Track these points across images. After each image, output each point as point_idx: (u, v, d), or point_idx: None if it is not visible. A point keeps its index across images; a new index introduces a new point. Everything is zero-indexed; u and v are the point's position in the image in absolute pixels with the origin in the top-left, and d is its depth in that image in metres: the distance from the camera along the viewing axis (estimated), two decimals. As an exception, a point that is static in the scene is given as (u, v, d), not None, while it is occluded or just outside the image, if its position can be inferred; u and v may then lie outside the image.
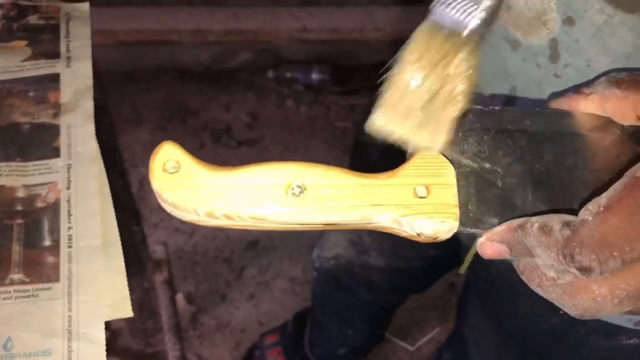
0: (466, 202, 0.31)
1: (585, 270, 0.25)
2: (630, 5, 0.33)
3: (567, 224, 0.25)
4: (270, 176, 0.31)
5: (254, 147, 1.69)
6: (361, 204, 0.30)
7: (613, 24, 0.34)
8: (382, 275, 0.84)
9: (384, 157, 0.73)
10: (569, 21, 0.36)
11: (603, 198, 0.25)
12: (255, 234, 1.53)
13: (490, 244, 0.30)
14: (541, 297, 0.54)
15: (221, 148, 1.68)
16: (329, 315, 1.07)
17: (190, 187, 0.31)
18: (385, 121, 0.33)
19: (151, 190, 1.34)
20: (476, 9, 0.29)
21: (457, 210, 0.31)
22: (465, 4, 0.29)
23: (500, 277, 0.59)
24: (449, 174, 0.31)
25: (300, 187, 0.31)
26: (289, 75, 1.77)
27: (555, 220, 0.26)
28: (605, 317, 0.51)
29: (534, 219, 0.27)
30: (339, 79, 1.78)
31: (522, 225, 0.28)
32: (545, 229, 0.26)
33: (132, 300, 1.29)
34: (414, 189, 0.31)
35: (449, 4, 0.30)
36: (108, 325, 1.40)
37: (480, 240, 0.30)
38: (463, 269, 0.68)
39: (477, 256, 0.62)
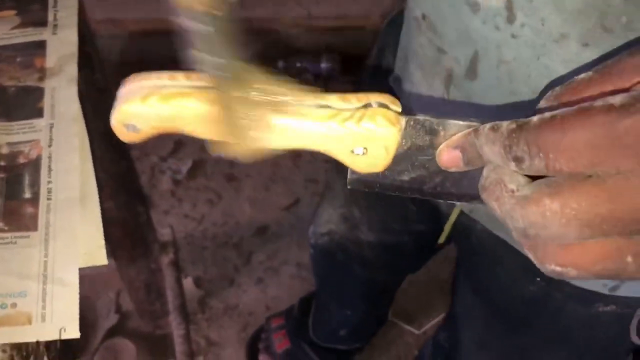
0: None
1: (517, 160, 0.25)
2: None
3: (515, 122, 0.26)
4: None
5: (263, 135, 1.71)
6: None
7: None
8: (373, 251, 0.85)
9: None
10: None
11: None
12: (264, 221, 1.55)
13: (446, 150, 0.31)
14: (519, 264, 0.54)
15: (231, 136, 1.70)
16: (328, 294, 1.08)
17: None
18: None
19: (162, 178, 1.37)
20: None
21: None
22: None
23: (481, 245, 0.60)
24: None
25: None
26: (298, 64, 1.79)
27: (506, 121, 0.27)
28: (578, 282, 0.51)
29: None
30: (347, 67, 1.79)
31: (475, 129, 0.29)
32: (494, 127, 0.27)
33: (140, 281, 1.31)
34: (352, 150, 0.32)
35: None
36: (118, 308, 1.42)
37: (439, 149, 0.31)
38: (442, 238, 0.69)
39: (457, 225, 0.63)
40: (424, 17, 0.47)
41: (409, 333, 1.41)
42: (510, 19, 0.39)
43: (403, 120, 0.31)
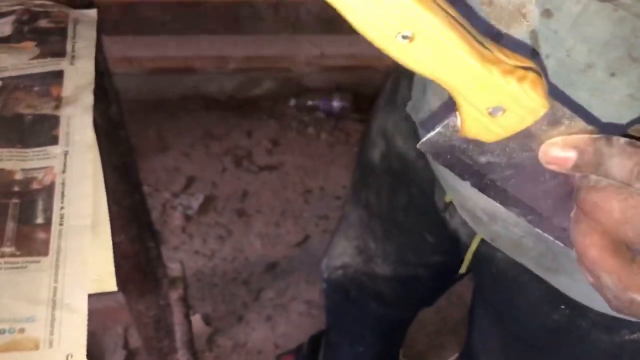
0: None
1: None
2: None
3: None
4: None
5: (275, 172, 1.71)
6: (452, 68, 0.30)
7: (589, 13, 0.35)
8: (389, 285, 0.84)
9: (385, 159, 0.73)
10: (547, 13, 0.37)
11: None
12: (274, 257, 1.55)
13: (561, 147, 0.30)
14: (543, 292, 0.53)
15: (242, 172, 1.71)
16: (340, 331, 1.06)
17: None
18: None
19: (173, 214, 1.38)
20: None
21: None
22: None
23: (501, 274, 0.59)
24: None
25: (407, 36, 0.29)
26: (310, 103, 1.81)
27: None
28: (604, 308, 0.50)
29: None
30: (358, 106, 1.80)
31: (607, 137, 0.28)
32: (633, 144, 0.27)
33: (148, 317, 1.30)
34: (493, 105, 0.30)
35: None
36: (126, 344, 1.40)
37: (550, 142, 0.31)
38: (464, 268, 0.68)
39: (477, 254, 0.62)
40: None
41: (420, 374, 1.38)
42: (534, 51, 0.39)
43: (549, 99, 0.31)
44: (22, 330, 0.39)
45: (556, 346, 0.58)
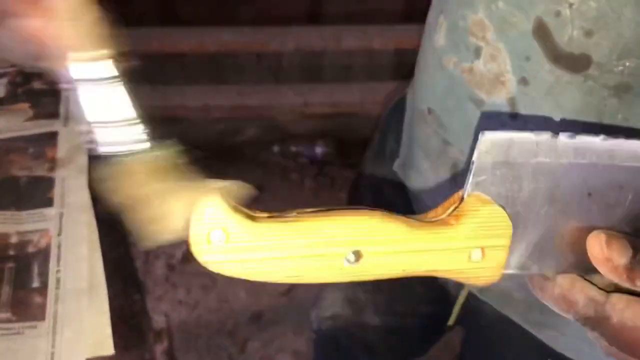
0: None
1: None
2: (575, 66, 0.37)
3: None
4: (327, 245, 0.29)
5: (259, 219, 1.71)
6: (415, 270, 0.30)
7: (562, 83, 0.38)
8: (379, 335, 0.84)
9: (377, 199, 0.75)
10: (524, 81, 0.40)
11: None
12: (259, 306, 1.53)
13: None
14: (530, 345, 0.54)
15: (226, 220, 1.71)
16: (330, 383, 1.05)
17: (241, 262, 0.29)
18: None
19: (156, 263, 1.37)
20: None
21: (503, 270, 0.31)
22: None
23: (489, 326, 0.60)
24: (506, 233, 0.30)
25: (355, 254, 0.29)
26: (293, 149, 1.82)
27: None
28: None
29: None
30: (342, 152, 1.82)
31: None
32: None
33: (133, 372, 1.27)
34: (469, 253, 0.30)
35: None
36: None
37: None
38: (452, 320, 0.68)
39: (465, 307, 0.63)
40: (429, 111, 0.49)
41: (410, 423, 1.36)
42: (513, 115, 0.41)
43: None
44: (19, 399, 0.39)
45: None
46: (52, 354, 0.41)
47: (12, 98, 0.56)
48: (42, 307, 0.43)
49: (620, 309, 0.29)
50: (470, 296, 0.60)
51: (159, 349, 1.26)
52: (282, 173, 1.82)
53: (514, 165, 0.29)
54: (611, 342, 0.31)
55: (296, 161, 1.83)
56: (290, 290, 1.57)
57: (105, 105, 0.31)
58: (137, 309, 1.19)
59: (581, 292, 0.31)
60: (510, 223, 0.29)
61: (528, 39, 0.37)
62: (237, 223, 0.29)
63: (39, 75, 0.59)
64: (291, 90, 1.72)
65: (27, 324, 0.42)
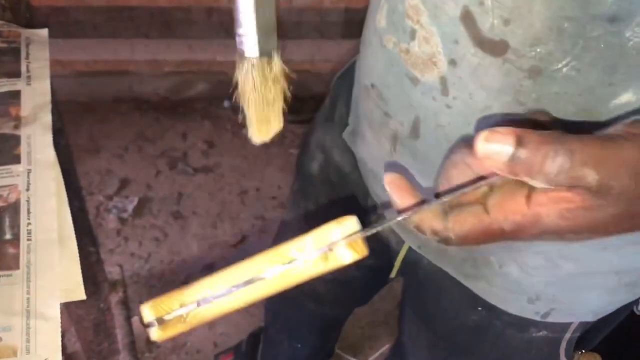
0: None
1: None
2: (495, 51, 0.42)
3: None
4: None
5: (210, 174, 1.74)
6: None
7: (485, 65, 0.43)
8: (325, 286, 0.90)
9: (327, 164, 0.79)
10: (453, 63, 0.45)
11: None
12: (211, 259, 1.58)
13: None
14: (463, 296, 0.60)
15: (177, 175, 1.72)
16: (279, 329, 1.11)
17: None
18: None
19: (108, 217, 1.40)
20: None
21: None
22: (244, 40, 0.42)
23: (428, 278, 0.66)
24: None
25: None
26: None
27: None
28: (515, 310, 0.58)
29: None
30: (292, 109, 1.85)
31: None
32: None
33: (89, 321, 1.32)
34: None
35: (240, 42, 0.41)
36: (64, 349, 1.41)
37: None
38: (394, 273, 0.75)
39: (406, 261, 0.69)
40: (372, 86, 0.54)
41: (354, 365, 1.45)
42: (445, 93, 0.46)
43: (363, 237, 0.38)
44: (0, 340, 0.42)
45: (476, 344, 0.66)
46: (28, 300, 0.44)
47: (-28, 57, 0.57)
48: (16, 257, 0.46)
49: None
50: (410, 251, 0.66)
51: (114, 299, 1.29)
52: (232, 128, 1.84)
53: None
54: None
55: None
56: (242, 241, 1.62)
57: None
58: (92, 260, 1.22)
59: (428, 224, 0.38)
60: None
61: (457, 25, 0.42)
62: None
63: (-2, 33, 0.60)
64: (242, 46, 1.73)
65: (3, 272, 0.45)
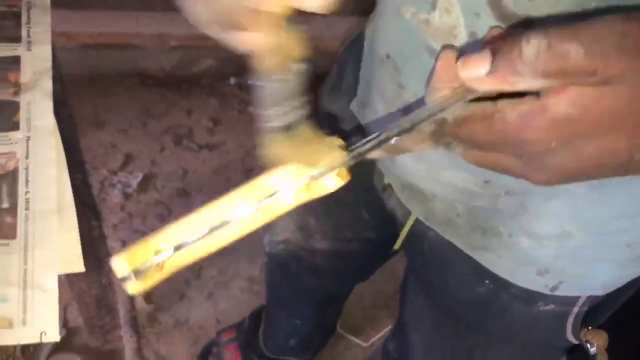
0: None
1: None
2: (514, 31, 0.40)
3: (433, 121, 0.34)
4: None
5: (215, 151, 1.72)
6: None
7: None
8: (325, 259, 0.89)
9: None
10: (473, 36, 0.43)
11: None
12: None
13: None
14: (470, 268, 0.59)
15: (182, 151, 1.71)
16: (279, 304, 1.11)
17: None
18: None
19: (112, 192, 1.38)
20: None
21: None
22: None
23: (433, 249, 0.64)
24: None
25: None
26: (250, 81, 1.82)
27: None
28: (523, 283, 0.57)
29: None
30: (299, 86, 1.83)
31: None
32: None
33: (90, 296, 1.31)
34: None
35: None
36: (65, 324, 1.41)
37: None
38: (398, 244, 0.73)
39: (411, 233, 0.68)
40: (387, 56, 0.52)
41: (356, 345, 1.45)
42: None
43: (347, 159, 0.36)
44: (-5, 310, 0.41)
45: (481, 318, 0.65)
46: (25, 269, 0.43)
47: (-30, 20, 0.55)
48: (13, 226, 0.45)
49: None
50: (416, 223, 0.64)
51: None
52: (238, 105, 1.82)
53: None
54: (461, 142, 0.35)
55: (252, 94, 1.83)
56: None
57: None
58: (95, 235, 1.21)
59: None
60: None
61: None
62: None
63: (-2, -4, 0.58)
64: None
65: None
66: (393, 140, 0.35)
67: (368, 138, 0.35)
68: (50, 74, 0.52)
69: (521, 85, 0.30)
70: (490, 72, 0.30)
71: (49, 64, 0.53)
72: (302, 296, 1.03)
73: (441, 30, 0.44)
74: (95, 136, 1.68)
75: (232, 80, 1.82)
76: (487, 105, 0.33)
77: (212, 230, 0.34)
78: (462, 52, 0.33)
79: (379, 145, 0.35)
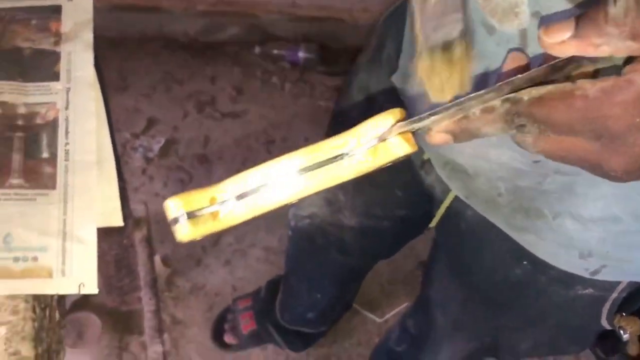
0: None
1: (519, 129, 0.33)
2: (588, 6, 0.37)
3: (506, 100, 0.32)
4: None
5: (238, 120, 1.71)
6: None
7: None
8: (353, 235, 0.87)
9: (370, 109, 0.76)
10: (537, 15, 0.40)
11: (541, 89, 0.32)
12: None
13: (438, 136, 0.35)
14: (508, 248, 0.58)
15: (205, 118, 1.70)
16: (301, 278, 1.10)
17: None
18: None
19: (134, 155, 1.38)
20: None
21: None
22: None
23: (469, 230, 0.63)
24: None
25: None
26: (275, 52, 1.80)
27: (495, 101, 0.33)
28: (563, 265, 0.56)
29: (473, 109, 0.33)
30: (325, 59, 1.80)
31: (464, 116, 0.32)
32: (487, 109, 0.31)
33: (111, 256, 1.32)
34: None
35: None
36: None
37: (432, 134, 0.36)
38: (434, 222, 0.72)
39: (448, 211, 0.66)
40: None
41: (371, 321, 1.45)
42: (523, 46, 0.42)
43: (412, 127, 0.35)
44: (35, 259, 0.40)
45: (515, 299, 0.64)
46: (64, 220, 0.42)
47: (12, -34, 0.54)
48: (53, 176, 0.45)
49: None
50: (455, 201, 0.63)
51: (138, 236, 1.29)
52: (262, 75, 1.80)
53: None
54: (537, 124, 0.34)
55: (277, 64, 1.81)
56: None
57: None
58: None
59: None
60: None
61: None
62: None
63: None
64: (280, -12, 1.68)
65: (39, 191, 0.44)
66: (461, 114, 0.34)
67: (437, 109, 0.34)
68: (91, 25, 0.52)
69: (607, 48, 0.29)
70: (575, 35, 0.29)
71: (90, 15, 0.52)
72: (325, 271, 1.02)
73: (502, 6, 0.42)
74: (118, 99, 1.68)
75: (257, 49, 1.80)
76: (565, 84, 0.31)
77: (277, 181, 0.33)
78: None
79: (448, 114, 0.34)
